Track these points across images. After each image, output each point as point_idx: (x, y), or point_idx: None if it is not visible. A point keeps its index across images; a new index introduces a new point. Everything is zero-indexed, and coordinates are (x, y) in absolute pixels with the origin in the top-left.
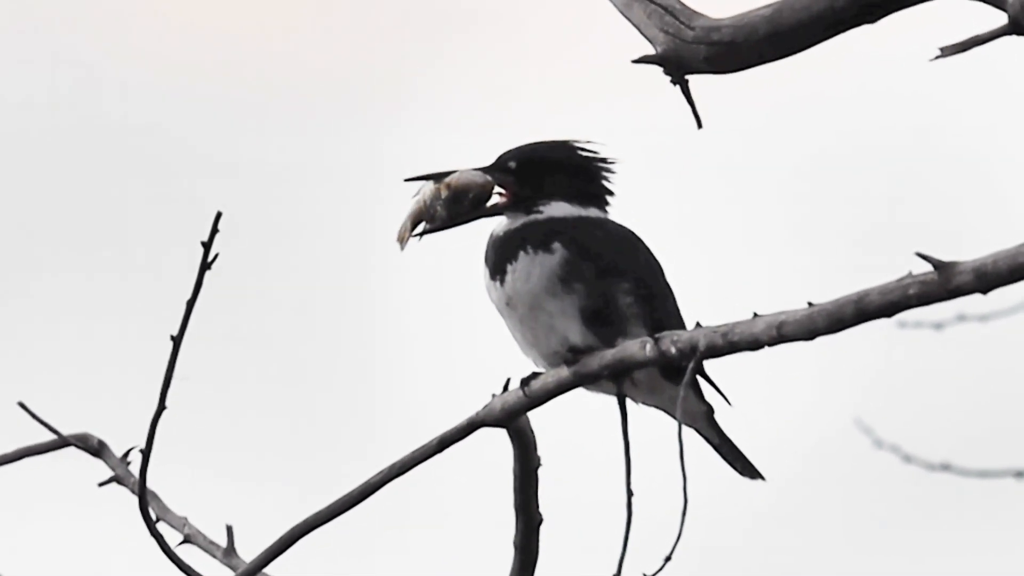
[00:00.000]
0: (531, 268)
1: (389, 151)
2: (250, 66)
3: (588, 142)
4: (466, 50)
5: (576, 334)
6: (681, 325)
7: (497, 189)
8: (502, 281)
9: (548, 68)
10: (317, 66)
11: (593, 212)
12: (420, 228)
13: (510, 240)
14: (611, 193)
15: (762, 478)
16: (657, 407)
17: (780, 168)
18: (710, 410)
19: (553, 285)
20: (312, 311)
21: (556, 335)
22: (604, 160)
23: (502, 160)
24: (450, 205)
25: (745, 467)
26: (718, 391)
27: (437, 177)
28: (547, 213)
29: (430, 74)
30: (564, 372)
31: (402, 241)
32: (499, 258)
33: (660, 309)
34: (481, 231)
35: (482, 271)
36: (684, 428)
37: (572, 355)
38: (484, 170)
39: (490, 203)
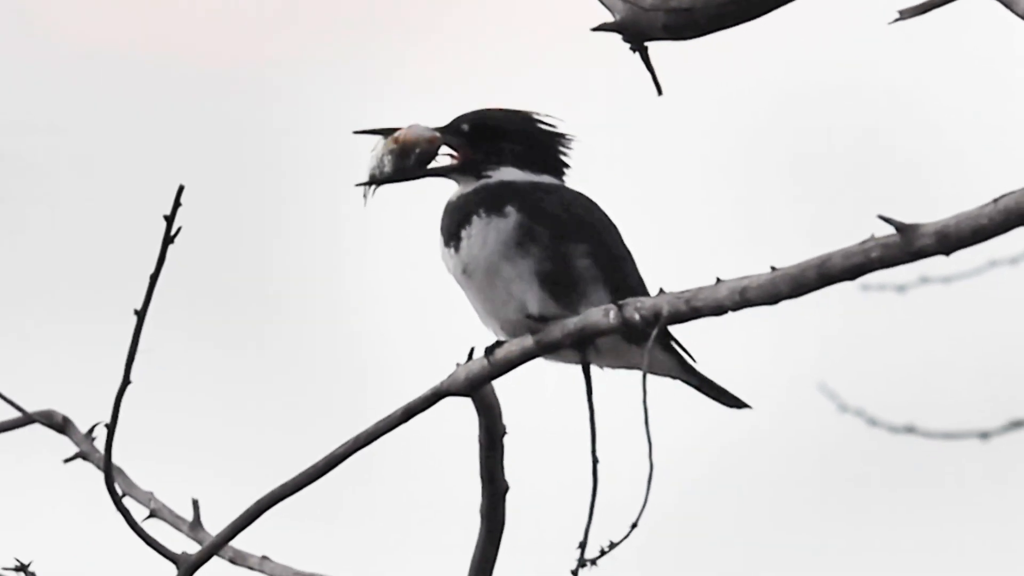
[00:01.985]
0: (486, 233)
1: (352, 117)
2: (210, 38)
3: (547, 116)
4: (427, 17)
5: (534, 300)
6: (642, 288)
7: (448, 151)
8: (457, 248)
9: (507, 37)
10: (281, 35)
11: (546, 179)
12: (367, 180)
13: (463, 205)
14: (567, 166)
15: (748, 407)
16: (623, 368)
17: (741, 133)
18: (680, 359)
19: (509, 249)
20: (275, 283)
21: (514, 302)
22: (562, 135)
23: (456, 122)
24: (396, 160)
25: (730, 399)
26: (684, 352)
27: (386, 132)
28: (497, 178)
29: (394, 40)
30: (528, 341)
31: (365, 197)
32: (453, 224)
33: (619, 271)
34: (441, 197)
35: (437, 240)
36: (663, 378)
37: (535, 323)
38: (437, 129)
39: (439, 163)
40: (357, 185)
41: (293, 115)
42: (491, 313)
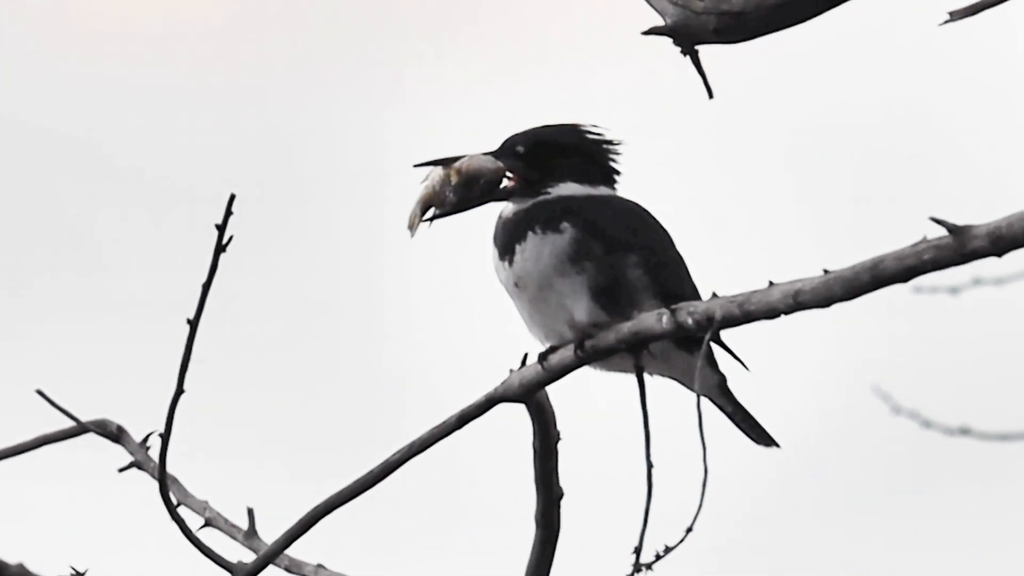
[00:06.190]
0: (540, 248)
1: (395, 127)
2: (253, 48)
3: (595, 126)
4: (470, 23)
5: (583, 312)
6: (694, 294)
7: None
8: (511, 262)
9: (553, 40)
10: (320, 45)
11: (602, 190)
12: (430, 213)
13: (519, 221)
14: (619, 172)
15: (777, 445)
16: (670, 377)
17: (793, 135)
18: (723, 379)
19: (563, 264)
20: (328, 291)
21: (564, 313)
22: (611, 142)
23: (509, 144)
24: (460, 190)
25: (760, 435)
26: (735, 358)
27: (446, 162)
28: (555, 193)
29: (433, 49)
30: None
31: (412, 227)
32: (508, 239)
33: (671, 280)
34: (493, 210)
35: (491, 252)
36: (703, 398)
37: (586, 331)
38: (493, 155)
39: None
40: (424, 220)
41: (342, 124)
42: (540, 324)
